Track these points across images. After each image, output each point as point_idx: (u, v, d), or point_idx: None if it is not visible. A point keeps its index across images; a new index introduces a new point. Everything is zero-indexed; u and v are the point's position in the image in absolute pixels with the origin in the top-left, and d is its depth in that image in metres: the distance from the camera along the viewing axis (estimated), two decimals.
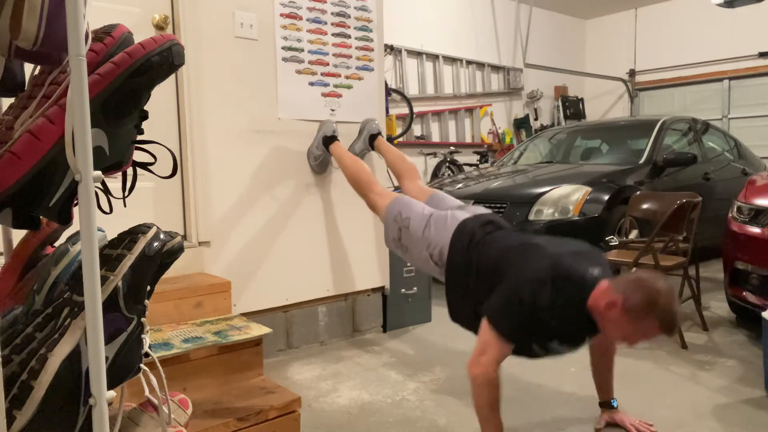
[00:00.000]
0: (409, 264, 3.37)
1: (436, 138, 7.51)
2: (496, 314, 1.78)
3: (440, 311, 3.68)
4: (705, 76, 8.59)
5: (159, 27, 2.54)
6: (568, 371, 2.68)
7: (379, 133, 3.02)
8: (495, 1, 8.21)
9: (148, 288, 1.13)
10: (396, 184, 2.93)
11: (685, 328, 3.29)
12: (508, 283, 1.79)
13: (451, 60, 7.66)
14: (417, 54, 7.25)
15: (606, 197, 4.06)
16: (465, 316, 2.04)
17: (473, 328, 1.93)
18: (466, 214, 2.18)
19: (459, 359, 2.89)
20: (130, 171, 1.17)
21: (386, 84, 4.59)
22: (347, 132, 3.12)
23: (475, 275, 1.97)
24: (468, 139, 7.91)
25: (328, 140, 2.90)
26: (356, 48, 3.17)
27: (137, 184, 1.20)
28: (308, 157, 3.01)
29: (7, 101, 1.25)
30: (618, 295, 1.64)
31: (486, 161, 7.60)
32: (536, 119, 8.81)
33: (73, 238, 1.24)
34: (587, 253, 1.86)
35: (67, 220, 1.03)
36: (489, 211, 2.26)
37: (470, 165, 7.28)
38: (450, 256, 2.07)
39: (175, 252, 1.16)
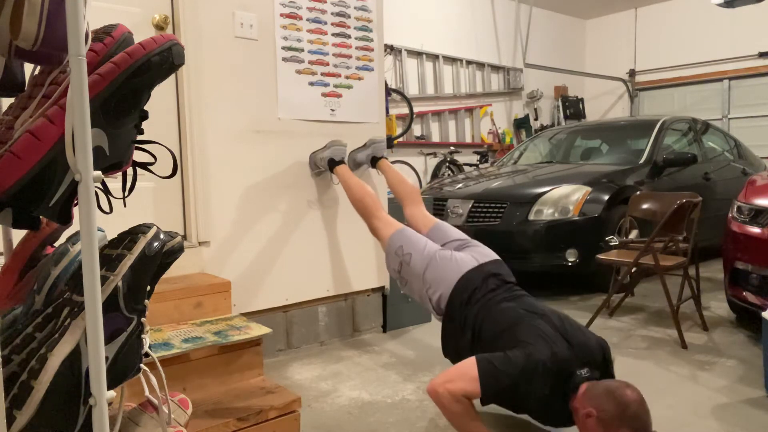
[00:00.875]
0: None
1: (436, 138, 7.52)
2: (490, 371, 1.75)
3: None
4: (705, 76, 8.60)
5: (159, 27, 2.54)
6: None
7: (384, 158, 3.03)
8: (495, 1, 8.21)
9: (148, 288, 1.13)
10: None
11: (685, 328, 3.29)
12: (515, 360, 1.76)
13: (451, 60, 7.67)
14: (417, 54, 7.25)
15: (606, 197, 4.06)
16: (457, 359, 2.01)
17: None
18: (470, 261, 2.13)
19: None
20: (130, 171, 1.17)
21: (386, 84, 4.59)
22: (347, 132, 3.12)
23: (470, 336, 1.97)
24: (468, 139, 7.91)
25: (334, 163, 2.89)
26: (356, 48, 3.17)
27: (137, 184, 1.20)
28: (309, 163, 3.00)
29: (7, 101, 1.25)
30: (593, 405, 1.69)
31: (486, 161, 7.61)
32: (536, 119, 8.81)
33: (73, 238, 1.24)
34: (581, 346, 1.84)
35: (67, 220, 1.03)
36: (493, 255, 2.21)
37: (470, 165, 7.28)
38: (448, 307, 2.07)
39: (175, 252, 1.16)
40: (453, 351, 2.11)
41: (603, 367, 1.87)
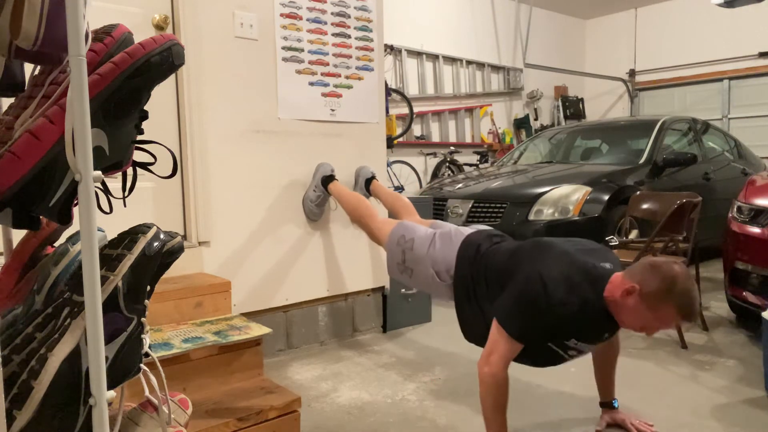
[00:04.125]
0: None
1: (436, 138, 7.52)
2: (506, 314, 1.76)
3: (440, 311, 3.68)
4: (705, 76, 8.60)
5: (159, 27, 2.54)
6: (569, 371, 2.68)
7: (374, 177, 3.03)
8: (495, 1, 8.21)
9: (148, 288, 1.13)
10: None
11: (685, 329, 3.29)
12: (519, 281, 1.77)
13: (451, 60, 7.67)
14: (417, 54, 7.25)
15: (606, 197, 4.06)
16: (479, 332, 1.98)
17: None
18: (470, 229, 2.20)
19: (459, 359, 2.89)
20: (130, 171, 1.17)
21: (386, 84, 4.59)
22: (347, 132, 3.13)
23: (484, 284, 1.96)
24: (468, 139, 7.91)
25: (327, 180, 2.90)
26: (356, 48, 3.17)
27: (137, 184, 1.20)
28: (304, 204, 2.99)
29: (7, 101, 1.25)
30: (635, 280, 1.61)
31: (486, 161, 7.61)
32: (536, 119, 8.81)
33: (73, 238, 1.24)
34: (597, 249, 1.86)
35: (67, 220, 1.03)
36: (492, 228, 2.27)
37: (470, 165, 7.28)
38: (457, 269, 2.06)
39: (175, 252, 1.16)
40: (471, 316, 2.03)
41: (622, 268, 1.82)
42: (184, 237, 2.67)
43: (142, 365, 1.14)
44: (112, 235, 1.18)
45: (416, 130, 7.27)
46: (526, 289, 1.72)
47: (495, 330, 1.78)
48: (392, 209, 2.81)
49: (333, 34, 3.06)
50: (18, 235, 1.33)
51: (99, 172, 0.91)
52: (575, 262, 1.73)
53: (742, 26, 8.07)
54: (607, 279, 1.71)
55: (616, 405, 2.15)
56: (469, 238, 2.11)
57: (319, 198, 2.95)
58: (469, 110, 7.94)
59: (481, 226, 2.29)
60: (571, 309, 1.67)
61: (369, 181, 3.02)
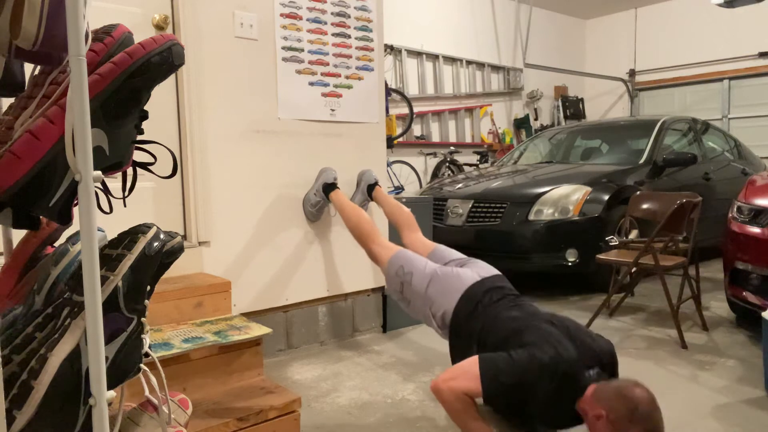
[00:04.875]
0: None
1: (436, 138, 7.52)
2: (491, 370, 1.75)
3: None
4: (705, 76, 8.60)
5: (159, 27, 2.54)
6: None
7: (377, 183, 3.02)
8: (495, 1, 8.21)
9: (148, 288, 1.13)
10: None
11: (685, 328, 3.29)
12: (521, 359, 1.76)
13: (451, 60, 7.67)
14: (417, 54, 7.26)
15: (606, 197, 4.06)
16: None
17: None
18: (472, 276, 2.12)
19: None
20: (130, 171, 1.17)
21: (386, 84, 4.59)
22: (347, 132, 3.13)
23: (476, 345, 1.96)
24: (468, 139, 7.91)
25: (329, 188, 2.88)
26: (356, 48, 3.17)
27: (137, 184, 1.20)
28: (304, 205, 2.99)
29: (7, 101, 1.25)
30: (602, 407, 1.67)
31: (486, 161, 7.61)
32: (536, 119, 8.81)
33: (73, 238, 1.24)
34: (592, 346, 1.84)
35: (67, 220, 1.03)
36: (494, 270, 2.20)
37: (470, 165, 7.28)
38: (453, 323, 2.05)
39: (175, 252, 1.16)
40: (461, 359, 2.07)
41: (610, 369, 1.86)
42: (184, 237, 2.67)
43: (142, 365, 1.14)
44: (112, 235, 1.18)
45: (416, 130, 7.28)
46: (524, 371, 1.73)
47: (471, 368, 1.76)
48: (392, 219, 2.77)
49: (333, 34, 3.07)
50: (18, 235, 1.33)
51: (99, 172, 0.91)
52: (567, 364, 1.75)
53: (742, 26, 8.07)
54: (586, 390, 1.75)
55: None
56: (469, 293, 2.05)
57: (319, 204, 2.95)
58: (469, 110, 7.95)
59: (481, 264, 2.21)
60: (548, 407, 1.74)
61: (372, 186, 3.01)
